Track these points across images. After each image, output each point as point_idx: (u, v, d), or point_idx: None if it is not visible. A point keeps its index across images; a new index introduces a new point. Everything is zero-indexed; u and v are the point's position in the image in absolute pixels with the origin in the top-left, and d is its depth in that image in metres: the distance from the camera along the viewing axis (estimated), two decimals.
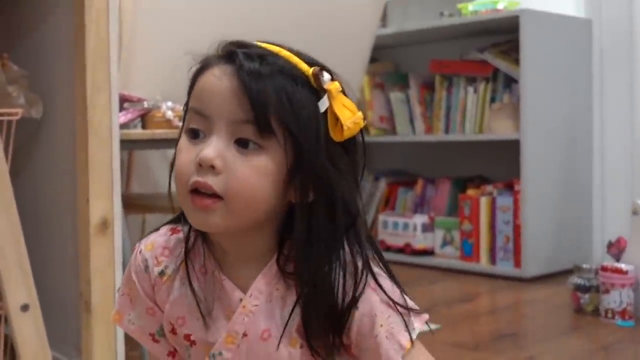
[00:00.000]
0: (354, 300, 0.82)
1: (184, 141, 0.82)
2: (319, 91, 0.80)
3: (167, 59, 2.14)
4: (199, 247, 0.88)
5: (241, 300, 0.85)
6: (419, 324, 0.85)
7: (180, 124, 1.95)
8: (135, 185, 2.78)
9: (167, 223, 0.94)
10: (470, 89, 3.28)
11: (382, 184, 3.69)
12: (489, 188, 3.17)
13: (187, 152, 0.81)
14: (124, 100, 1.91)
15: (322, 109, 0.80)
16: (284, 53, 0.82)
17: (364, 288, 0.82)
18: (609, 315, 2.30)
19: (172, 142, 2.06)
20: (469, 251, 3.18)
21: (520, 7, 3.12)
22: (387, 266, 0.86)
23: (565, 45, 3.11)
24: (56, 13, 1.70)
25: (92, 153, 1.53)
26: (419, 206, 3.53)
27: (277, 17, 2.15)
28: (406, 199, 3.62)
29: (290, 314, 0.83)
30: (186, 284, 0.87)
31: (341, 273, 0.82)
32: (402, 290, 0.86)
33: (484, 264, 3.13)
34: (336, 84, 0.81)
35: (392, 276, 0.86)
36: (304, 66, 0.81)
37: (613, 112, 3.18)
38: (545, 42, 3.03)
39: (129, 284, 0.92)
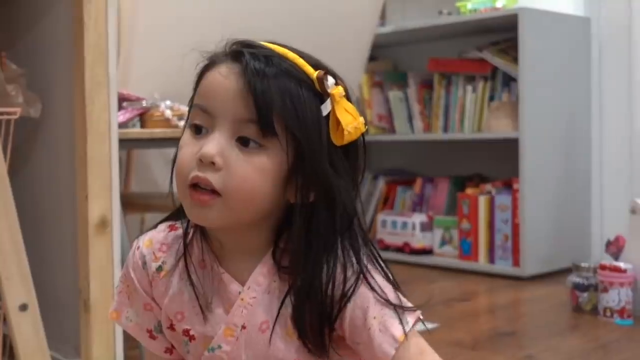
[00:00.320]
0: (346, 295, 0.82)
1: (187, 136, 0.83)
2: (322, 94, 0.81)
3: (166, 58, 2.14)
4: (197, 242, 0.88)
5: (240, 293, 0.85)
6: (412, 318, 0.85)
7: (180, 122, 1.96)
8: (134, 184, 2.78)
9: (165, 220, 0.95)
10: (469, 88, 3.28)
11: (381, 183, 3.70)
12: (487, 187, 3.18)
13: (189, 147, 0.81)
14: (122, 99, 1.91)
15: (325, 113, 0.81)
16: (290, 55, 0.82)
17: (356, 283, 0.83)
18: (608, 313, 2.31)
19: (171, 141, 2.07)
20: (467, 250, 3.18)
21: (518, 5, 3.12)
22: (382, 264, 0.87)
23: (564, 43, 3.12)
24: (54, 10, 1.70)
25: (90, 152, 1.53)
26: (418, 205, 3.53)
27: (277, 16, 2.15)
28: (405, 198, 3.62)
29: (281, 304, 0.83)
30: (185, 278, 0.88)
31: (335, 269, 0.82)
32: (397, 288, 0.86)
33: (482, 262, 3.13)
34: (339, 88, 0.82)
35: (386, 274, 0.86)
36: (309, 69, 0.81)
37: (612, 110, 3.18)
38: (544, 40, 3.03)
39: (127, 281, 0.92)
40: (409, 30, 3.40)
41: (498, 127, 3.11)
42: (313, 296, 0.82)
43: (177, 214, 0.93)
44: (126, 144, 1.83)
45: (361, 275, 0.83)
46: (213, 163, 0.78)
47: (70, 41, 1.57)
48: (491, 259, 3.11)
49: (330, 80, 0.81)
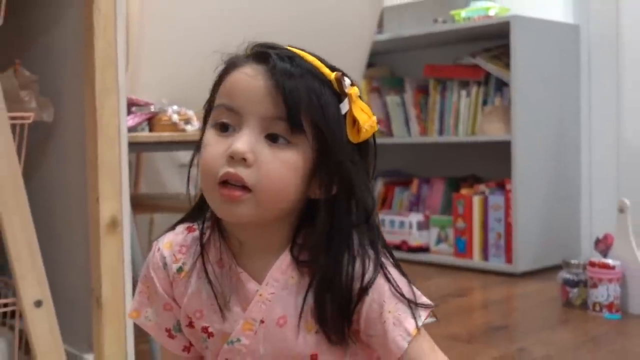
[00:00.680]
0: (365, 287, 0.82)
1: (211, 135, 0.82)
2: (340, 94, 0.81)
3: (173, 66, 2.15)
4: (214, 242, 0.87)
5: (257, 291, 0.84)
6: (425, 313, 0.85)
7: (187, 125, 1.95)
8: (143, 186, 2.78)
9: (181, 221, 0.93)
10: (463, 93, 3.29)
11: (379, 184, 3.69)
12: (481, 187, 3.18)
13: (215, 145, 0.81)
14: (131, 104, 1.91)
15: (343, 112, 0.81)
16: (309, 57, 0.83)
17: (375, 276, 0.82)
18: (597, 308, 2.31)
19: (178, 145, 2.08)
20: (462, 248, 3.18)
21: (510, 13, 3.12)
22: (394, 258, 0.87)
23: (554, 49, 3.12)
24: (66, 19, 1.70)
25: (101, 155, 1.54)
26: (415, 205, 3.53)
27: (280, 24, 2.15)
28: (402, 198, 3.62)
29: (305, 299, 0.83)
30: (202, 278, 0.87)
31: (355, 262, 0.82)
32: (409, 281, 0.86)
33: (476, 260, 3.13)
34: (356, 88, 0.83)
35: (399, 267, 0.86)
36: (326, 70, 0.82)
37: (600, 114, 3.18)
38: (535, 47, 3.03)
39: (147, 282, 0.91)
40: (406, 38, 3.40)
41: (491, 131, 3.11)
42: (334, 289, 0.82)
43: (192, 214, 0.92)
44: (135, 147, 1.83)
45: (379, 268, 0.83)
46: (244, 159, 0.78)
47: (81, 49, 1.57)
48: (485, 256, 3.11)
49: (347, 80, 0.82)
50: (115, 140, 1.55)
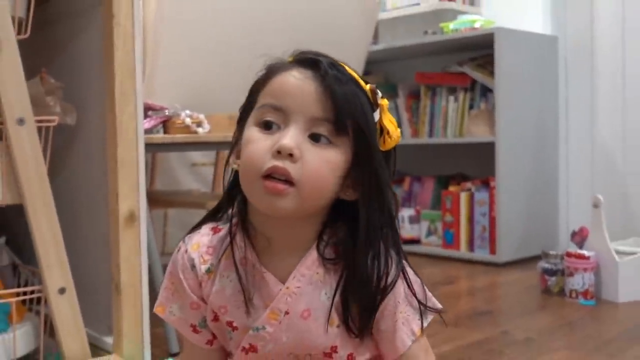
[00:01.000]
0: (389, 286, 0.81)
1: (255, 132, 0.80)
2: (372, 104, 0.81)
3: (185, 73, 2.15)
4: (240, 241, 0.85)
5: (280, 289, 0.83)
6: (431, 315, 0.85)
7: (198, 128, 1.95)
8: (158, 183, 2.78)
9: (205, 219, 0.91)
10: (451, 98, 3.29)
11: None
12: (468, 184, 3.18)
13: (260, 141, 0.79)
14: (148, 108, 1.92)
15: (375, 120, 0.81)
16: (348, 68, 0.82)
17: (397, 276, 0.82)
18: (573, 295, 2.31)
19: (190, 146, 2.08)
20: (450, 240, 3.18)
21: (494, 25, 3.12)
22: (407, 259, 0.86)
23: (534, 58, 3.12)
24: (88, 31, 1.70)
25: (120, 155, 1.54)
26: (407, 201, 3.53)
27: (284, 36, 2.16)
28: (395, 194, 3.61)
29: (334, 295, 0.82)
30: (225, 276, 0.85)
31: (380, 259, 0.81)
32: (422, 282, 0.86)
33: (463, 251, 3.13)
34: (386, 101, 0.82)
35: (410, 266, 0.86)
36: (362, 81, 0.82)
37: (576, 117, 3.19)
38: (517, 56, 3.03)
39: (173, 279, 0.89)
40: (399, 48, 3.40)
41: (477, 132, 3.11)
42: (359, 286, 0.81)
43: (214, 213, 0.90)
44: (151, 148, 1.83)
45: (400, 268, 0.83)
46: (291, 155, 0.76)
47: (101, 59, 1.57)
48: (471, 247, 3.11)
49: (379, 93, 0.81)
50: (133, 142, 1.55)
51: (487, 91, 3.16)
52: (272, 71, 0.82)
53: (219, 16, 2.15)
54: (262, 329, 0.83)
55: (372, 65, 3.51)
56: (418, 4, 3.50)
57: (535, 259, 2.74)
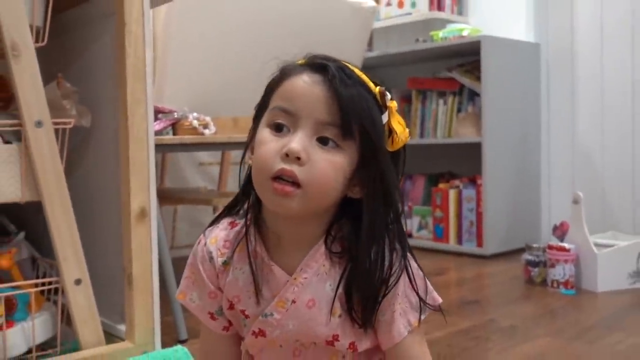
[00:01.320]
0: (392, 279, 0.80)
1: (267, 134, 0.79)
2: (381, 106, 0.79)
3: (193, 79, 2.14)
4: (251, 235, 0.84)
5: (287, 281, 0.82)
6: (431, 306, 0.84)
7: (205, 130, 1.95)
8: (168, 181, 2.78)
9: (222, 214, 0.90)
10: (441, 101, 3.28)
11: None
12: (456, 182, 3.17)
13: (271, 143, 0.77)
14: (158, 112, 1.91)
15: (383, 122, 0.79)
16: (357, 70, 0.80)
17: (401, 269, 0.81)
18: (555, 285, 2.31)
19: (198, 146, 2.07)
20: (440, 234, 3.18)
21: (481, 34, 3.11)
22: (412, 252, 0.84)
23: (518, 64, 3.11)
24: (101, 39, 1.70)
25: (132, 155, 1.53)
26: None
27: (284, 43, 2.15)
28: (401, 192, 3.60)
29: (338, 285, 0.81)
30: (238, 268, 0.85)
31: (384, 255, 0.80)
32: (425, 274, 0.85)
33: (452, 244, 3.13)
34: (394, 102, 0.80)
35: (415, 261, 0.84)
36: (371, 84, 0.80)
37: (557, 119, 3.18)
38: (502, 62, 3.03)
39: (193, 269, 0.88)
40: (392, 55, 3.40)
41: (465, 134, 3.10)
42: (363, 279, 0.79)
43: (231, 207, 0.89)
44: (161, 148, 1.83)
45: (404, 262, 0.81)
46: (298, 158, 0.75)
47: (114, 65, 1.57)
48: (459, 241, 3.11)
49: (388, 95, 0.80)
50: (144, 143, 1.55)
51: (474, 95, 3.16)
52: (285, 73, 0.81)
53: (223, 27, 2.15)
54: (270, 315, 0.83)
55: (367, 70, 3.43)
56: (410, 14, 3.49)
57: (519, 251, 2.74)
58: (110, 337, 1.60)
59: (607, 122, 3.02)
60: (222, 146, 2.24)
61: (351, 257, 0.81)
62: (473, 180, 3.10)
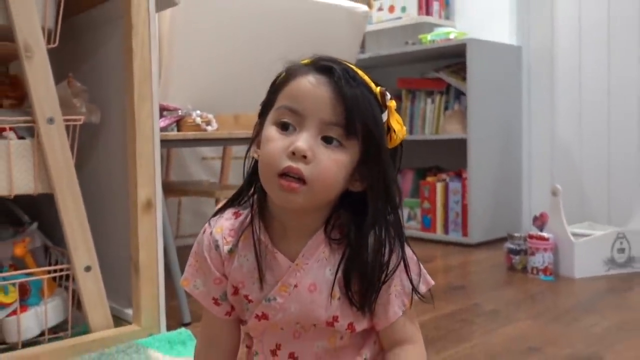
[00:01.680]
0: (389, 264, 0.80)
1: (273, 132, 0.78)
2: (381, 106, 0.79)
3: (196, 78, 2.13)
4: (256, 224, 0.84)
5: (289, 267, 0.82)
6: (424, 287, 0.85)
7: (208, 127, 1.94)
8: (172, 175, 2.77)
9: (227, 204, 0.90)
10: (429, 100, 3.28)
11: None
12: (443, 176, 3.17)
13: (277, 141, 0.77)
14: (163, 109, 1.90)
15: (383, 121, 0.79)
16: (360, 71, 0.80)
17: (397, 255, 0.81)
18: (535, 272, 2.31)
19: (201, 142, 2.06)
20: (428, 224, 3.18)
21: (467, 37, 3.10)
22: (406, 239, 0.84)
23: (501, 66, 3.11)
24: (110, 41, 1.69)
25: (139, 150, 1.53)
26: None
27: (281, 45, 2.14)
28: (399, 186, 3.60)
29: (337, 270, 0.81)
30: (243, 255, 0.84)
31: (380, 242, 0.80)
32: (418, 259, 0.85)
33: (439, 233, 3.13)
34: (394, 102, 0.80)
35: (409, 247, 0.85)
36: (372, 84, 0.79)
37: (538, 117, 3.18)
38: (486, 63, 3.02)
39: (197, 257, 0.88)
40: (383, 56, 3.39)
41: (451, 130, 3.10)
42: (360, 264, 0.80)
43: (235, 198, 0.89)
44: (166, 143, 1.82)
45: (399, 248, 0.81)
46: (304, 156, 0.75)
47: (122, 65, 1.56)
48: (446, 230, 3.11)
49: (388, 95, 0.79)
50: (150, 138, 1.55)
51: (460, 94, 3.15)
52: (291, 74, 0.80)
53: (224, 29, 2.14)
54: (274, 299, 0.83)
55: None
56: (400, 18, 3.48)
57: (502, 240, 2.74)
58: (118, 320, 1.60)
59: (584, 119, 3.02)
60: (224, 142, 2.23)
61: (349, 243, 0.81)
62: (459, 174, 3.10)
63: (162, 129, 1.82)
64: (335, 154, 0.76)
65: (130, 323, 1.58)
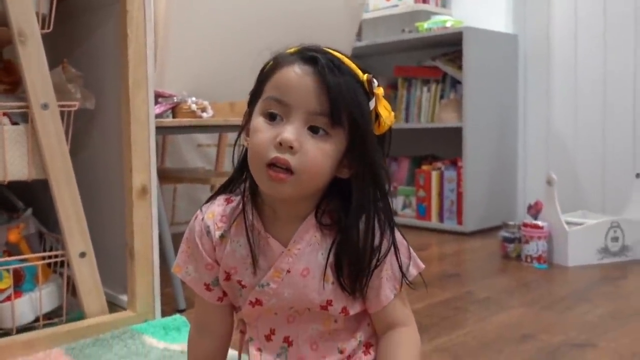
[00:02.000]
0: (380, 248, 0.81)
1: (261, 122, 0.78)
2: (368, 93, 0.79)
3: (192, 64, 2.12)
4: (248, 210, 0.84)
5: (282, 252, 0.82)
6: (415, 270, 0.86)
7: (203, 113, 1.93)
8: (168, 161, 2.77)
9: (218, 191, 0.90)
10: (425, 89, 3.27)
11: None
12: (438, 164, 3.17)
13: (265, 132, 0.77)
14: (158, 95, 1.89)
15: (370, 108, 0.79)
16: (346, 60, 0.79)
17: (387, 239, 0.82)
18: (529, 260, 2.32)
19: (196, 128, 2.05)
20: (423, 212, 3.18)
21: (463, 25, 3.09)
22: (396, 224, 0.85)
23: (498, 54, 3.10)
24: (105, 26, 1.67)
25: (134, 136, 1.52)
26: None
27: (277, 32, 2.13)
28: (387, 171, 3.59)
29: (328, 255, 0.81)
30: (236, 241, 0.84)
31: (370, 227, 0.81)
32: (408, 243, 0.86)
33: (434, 221, 3.13)
34: (381, 89, 0.80)
35: (400, 231, 0.85)
36: (359, 72, 0.79)
37: (533, 106, 3.18)
38: (483, 52, 3.01)
39: (189, 243, 0.88)
40: (379, 44, 3.38)
41: (447, 119, 3.10)
42: (351, 248, 0.80)
43: (227, 185, 0.89)
44: (161, 130, 1.81)
45: (389, 232, 0.82)
46: (291, 147, 0.75)
47: (117, 50, 1.55)
48: (441, 219, 3.11)
49: (375, 82, 0.79)
50: (145, 125, 1.54)
51: (456, 83, 3.15)
52: (277, 64, 0.80)
53: (220, 16, 2.13)
54: (267, 285, 0.83)
55: (356, 59, 3.42)
56: (397, 6, 3.46)
57: (497, 228, 2.75)
58: (113, 306, 1.60)
59: (579, 109, 3.02)
60: (219, 129, 2.22)
61: (340, 228, 0.81)
62: (454, 163, 3.10)
63: (158, 116, 1.81)
64: (321, 144, 0.77)
65: (125, 309, 1.58)
